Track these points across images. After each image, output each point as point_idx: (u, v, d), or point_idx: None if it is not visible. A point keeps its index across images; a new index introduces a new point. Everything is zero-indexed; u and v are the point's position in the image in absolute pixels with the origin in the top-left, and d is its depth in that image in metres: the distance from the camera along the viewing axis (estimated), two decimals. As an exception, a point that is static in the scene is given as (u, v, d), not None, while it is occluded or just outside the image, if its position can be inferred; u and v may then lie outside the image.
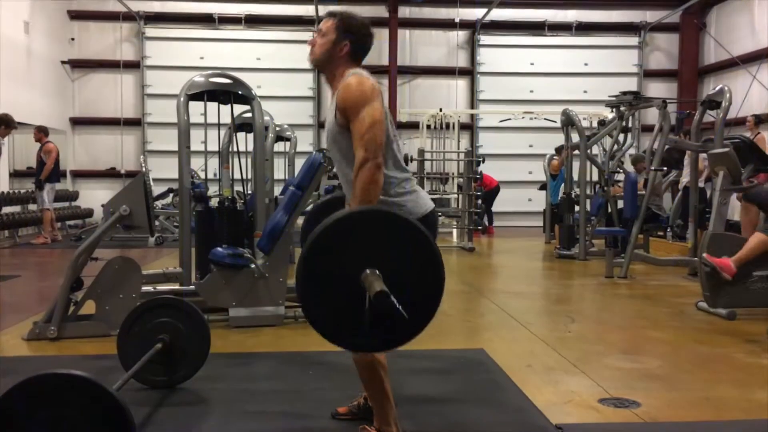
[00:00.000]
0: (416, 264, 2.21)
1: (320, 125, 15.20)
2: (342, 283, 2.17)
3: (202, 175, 8.40)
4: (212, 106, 5.73)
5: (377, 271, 2.14)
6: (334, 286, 2.19)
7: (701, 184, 8.78)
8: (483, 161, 11.11)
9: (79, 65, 15.18)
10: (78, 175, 15.30)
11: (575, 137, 9.82)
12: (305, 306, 2.24)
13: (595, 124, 11.87)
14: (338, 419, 3.10)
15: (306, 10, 14.88)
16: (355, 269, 2.15)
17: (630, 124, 9.24)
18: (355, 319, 2.15)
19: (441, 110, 14.04)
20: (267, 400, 3.44)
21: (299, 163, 6.53)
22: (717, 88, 7.54)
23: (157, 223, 10.78)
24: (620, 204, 9.12)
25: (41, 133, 11.18)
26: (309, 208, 9.54)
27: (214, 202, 5.96)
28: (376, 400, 2.68)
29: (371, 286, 2.09)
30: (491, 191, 13.22)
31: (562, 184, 10.63)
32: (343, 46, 2.67)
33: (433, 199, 10.20)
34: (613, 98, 9.07)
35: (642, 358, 4.29)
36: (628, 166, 10.39)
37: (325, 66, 2.72)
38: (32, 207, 11.89)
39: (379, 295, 2.06)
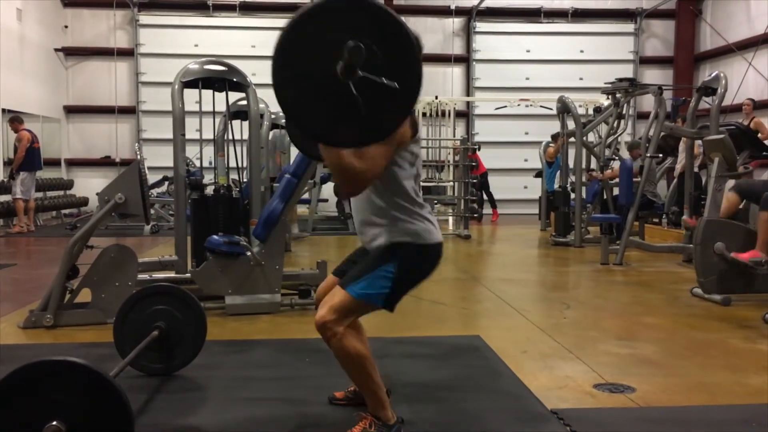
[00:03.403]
0: (392, 50, 2.11)
1: (316, 113, 15.13)
2: (318, 70, 2.08)
3: (198, 163, 8.39)
4: (207, 93, 5.71)
5: (360, 44, 2.04)
6: (311, 74, 2.10)
7: (696, 170, 8.80)
8: (479, 149, 11.10)
9: (73, 53, 15.09)
10: (72, 163, 15.25)
11: (571, 124, 9.82)
12: (281, 99, 2.14)
13: (591, 112, 11.87)
14: (335, 404, 3.11)
15: (301, -3, 14.85)
16: (330, 52, 2.05)
17: (625, 111, 9.23)
18: (336, 110, 2.10)
19: (437, 98, 14.00)
20: (264, 387, 3.45)
21: (294, 151, 6.52)
22: (713, 75, 7.53)
23: (152, 211, 10.77)
24: (616, 191, 9.14)
25: (16, 122, 11.06)
26: (305, 195, 9.54)
27: (209, 190, 5.95)
28: (367, 389, 2.67)
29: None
30: (483, 176, 13.27)
31: (558, 172, 10.64)
32: None
33: (428, 187, 10.20)
34: (609, 85, 9.06)
35: (637, 343, 4.31)
36: (624, 153, 10.40)
37: None
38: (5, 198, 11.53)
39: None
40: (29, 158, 10.92)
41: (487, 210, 13.52)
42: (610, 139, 9.87)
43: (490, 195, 13.55)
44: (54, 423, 2.03)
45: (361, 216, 2.70)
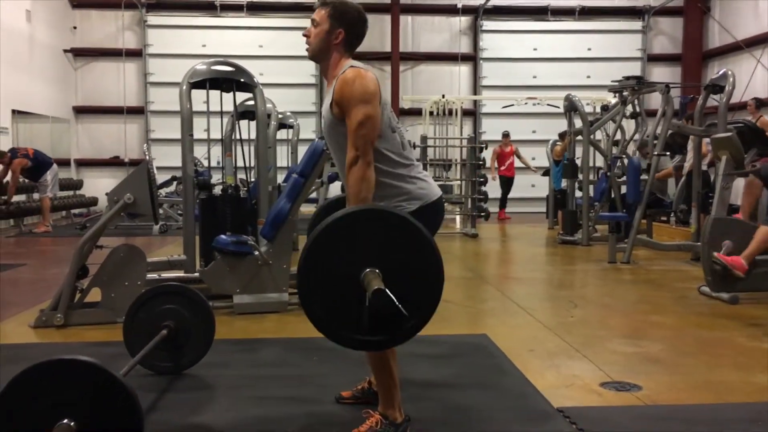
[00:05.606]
0: (415, 261, 2.24)
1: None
2: (342, 282, 2.20)
3: (206, 163, 8.42)
4: (215, 93, 5.74)
5: (377, 270, 2.16)
6: (335, 286, 2.22)
7: (704, 168, 8.77)
8: (486, 147, 11.10)
9: (82, 54, 15.17)
10: (82, 163, 15.35)
11: (578, 123, 9.80)
12: (306, 305, 2.27)
13: (598, 110, 11.84)
14: (342, 403, 3.13)
15: (308, -3, 14.89)
16: (354, 268, 2.18)
17: (638, 110, 9.18)
18: (356, 318, 2.18)
19: (444, 96, 14.00)
20: (272, 385, 3.47)
21: (302, 150, 6.56)
22: (720, 73, 7.51)
23: (161, 211, 10.81)
24: (623, 189, 9.11)
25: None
26: (313, 195, 9.61)
27: (217, 190, 5.99)
28: (383, 384, 2.71)
29: (370, 285, 2.11)
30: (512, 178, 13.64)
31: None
32: (338, 35, 2.65)
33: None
34: (616, 83, 9.03)
35: (644, 342, 4.31)
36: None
37: (321, 56, 2.70)
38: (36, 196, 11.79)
39: (377, 292, 2.08)
40: (38, 163, 10.92)
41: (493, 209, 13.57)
42: (632, 137, 9.79)
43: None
44: (65, 421, 2.06)
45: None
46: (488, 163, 12.72)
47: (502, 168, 13.55)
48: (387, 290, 2.09)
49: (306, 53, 2.75)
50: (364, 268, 2.17)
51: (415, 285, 2.23)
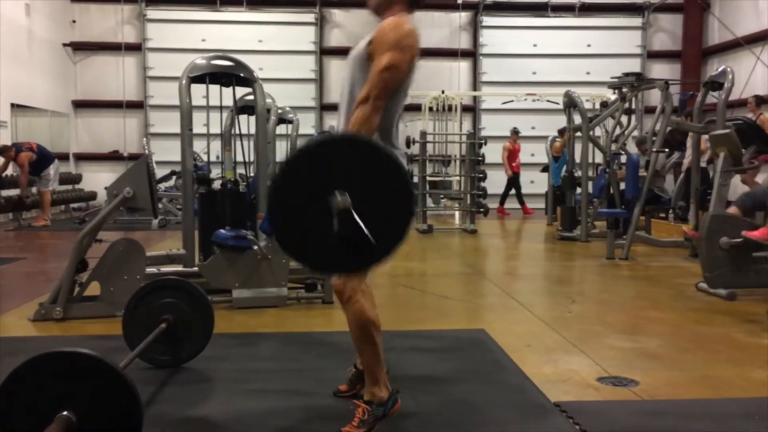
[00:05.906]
0: (386, 188, 2.24)
1: (322, 107, 15.19)
2: (312, 206, 2.19)
3: (205, 158, 8.42)
4: (214, 88, 5.74)
5: (346, 194, 2.16)
6: (305, 209, 2.21)
7: (703, 164, 8.78)
8: (485, 143, 11.11)
9: (81, 48, 15.16)
10: (81, 158, 15.34)
11: (578, 119, 9.81)
12: (276, 229, 2.27)
13: (597, 106, 11.84)
14: (339, 397, 3.14)
15: (307, -8, 14.86)
16: (324, 192, 2.17)
17: (633, 106, 9.19)
18: (325, 242, 2.18)
19: (443, 92, 14.00)
20: (270, 379, 3.49)
21: (298, 143, 6.55)
22: (720, 70, 7.51)
23: (160, 205, 10.81)
24: (623, 185, 9.13)
25: (5, 152, 10.82)
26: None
27: (216, 185, 5.99)
28: (367, 360, 2.72)
29: (337, 206, 2.12)
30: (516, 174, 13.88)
31: (564, 167, 10.64)
32: None
33: (434, 182, 10.21)
34: (616, 80, 9.04)
35: (641, 337, 4.33)
36: (631, 148, 10.37)
37: (382, 10, 2.68)
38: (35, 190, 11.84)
39: (343, 212, 2.09)
40: (41, 157, 10.98)
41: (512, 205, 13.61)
42: (624, 133, 9.82)
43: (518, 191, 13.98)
44: (65, 413, 2.07)
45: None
46: (492, 160, 12.75)
47: (513, 164, 13.71)
48: (353, 211, 2.10)
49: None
50: (334, 191, 2.17)
51: (385, 210, 2.23)
